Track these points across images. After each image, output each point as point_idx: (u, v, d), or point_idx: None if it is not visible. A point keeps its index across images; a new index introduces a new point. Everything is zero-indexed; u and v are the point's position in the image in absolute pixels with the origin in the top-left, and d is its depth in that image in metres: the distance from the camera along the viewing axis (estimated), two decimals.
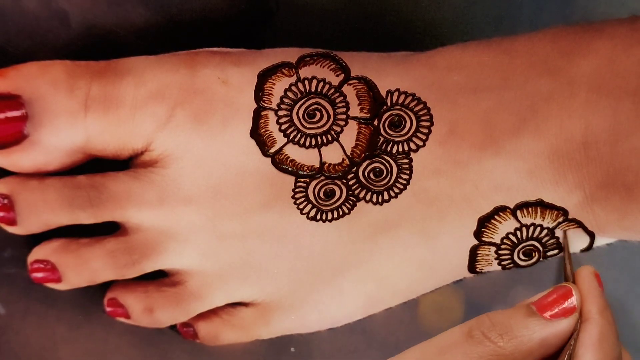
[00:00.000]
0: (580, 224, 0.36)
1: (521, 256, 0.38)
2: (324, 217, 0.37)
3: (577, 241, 0.37)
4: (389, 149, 0.36)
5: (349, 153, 0.36)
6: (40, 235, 0.37)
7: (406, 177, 0.36)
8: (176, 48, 0.37)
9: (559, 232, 0.36)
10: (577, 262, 0.35)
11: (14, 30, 0.36)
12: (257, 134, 0.36)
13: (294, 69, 0.36)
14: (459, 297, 0.45)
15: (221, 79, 0.36)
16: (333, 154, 0.36)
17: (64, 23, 0.36)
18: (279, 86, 0.36)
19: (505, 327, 0.30)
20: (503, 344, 0.30)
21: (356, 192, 0.37)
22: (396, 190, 0.37)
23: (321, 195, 0.37)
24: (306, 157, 0.36)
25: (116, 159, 0.37)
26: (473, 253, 0.37)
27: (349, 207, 0.37)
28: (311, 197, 0.37)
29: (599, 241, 0.37)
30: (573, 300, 0.31)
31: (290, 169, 0.36)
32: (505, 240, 0.37)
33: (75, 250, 0.37)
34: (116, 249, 0.37)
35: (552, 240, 0.37)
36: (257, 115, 0.36)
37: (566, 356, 0.30)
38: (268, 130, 0.36)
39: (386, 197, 0.37)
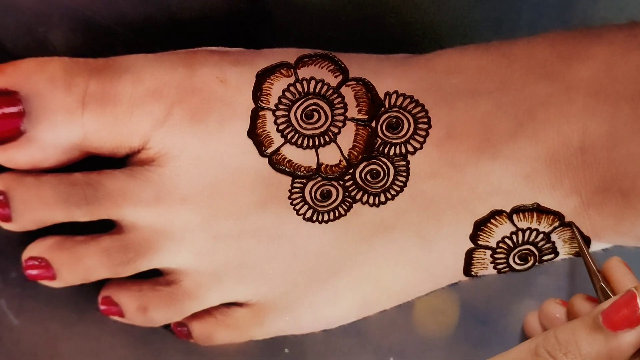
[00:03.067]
0: (576, 229, 0.36)
1: (517, 260, 0.38)
2: (320, 218, 0.37)
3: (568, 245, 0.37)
4: (386, 150, 0.36)
5: (346, 154, 0.36)
6: (35, 232, 0.37)
7: (403, 179, 0.36)
8: (175, 46, 0.37)
9: (559, 235, 0.36)
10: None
11: (12, 26, 0.36)
12: (255, 134, 0.36)
13: (292, 70, 0.36)
14: (454, 301, 0.45)
15: (219, 78, 0.36)
16: (330, 155, 0.36)
17: (62, 19, 0.36)
18: (277, 86, 0.36)
19: (571, 344, 0.29)
20: None
21: (353, 193, 0.37)
22: (393, 192, 0.37)
23: (318, 196, 0.36)
24: (303, 157, 0.36)
25: (113, 157, 0.37)
26: (469, 256, 0.37)
27: (346, 208, 0.37)
28: (308, 198, 0.37)
29: (595, 246, 0.37)
30: (638, 309, 0.29)
31: (287, 169, 0.36)
32: (501, 244, 0.37)
33: (70, 248, 0.37)
34: (111, 247, 0.37)
35: (547, 245, 0.37)
36: (255, 115, 0.36)
37: None
38: (265, 130, 0.36)
39: (383, 199, 0.37)
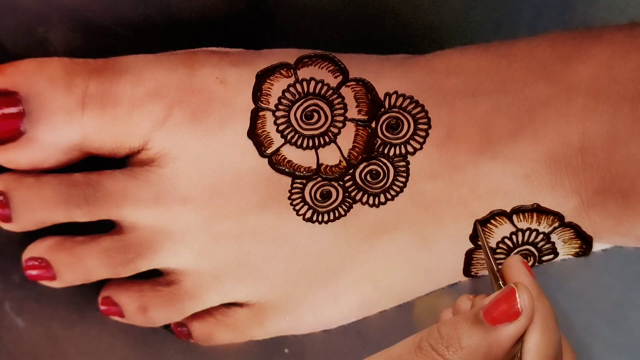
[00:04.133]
0: (576, 229, 0.36)
1: None
2: (320, 219, 0.37)
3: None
4: (386, 151, 0.36)
5: (346, 155, 0.36)
6: (35, 232, 0.37)
7: (403, 179, 0.36)
8: (175, 47, 0.37)
9: (559, 236, 0.36)
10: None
11: (12, 27, 0.36)
12: (255, 134, 0.36)
13: (292, 70, 0.36)
14: (454, 301, 0.45)
15: (219, 79, 0.36)
16: (330, 156, 0.36)
17: (62, 20, 0.36)
18: (277, 87, 0.36)
19: (452, 338, 0.30)
20: (449, 356, 0.30)
21: (353, 194, 0.37)
22: (393, 192, 0.37)
23: (317, 196, 0.36)
24: (303, 158, 0.36)
25: (113, 157, 0.37)
26: (469, 257, 0.37)
27: (345, 209, 0.37)
28: (307, 199, 0.37)
29: (595, 247, 0.37)
30: (517, 304, 0.30)
31: (287, 169, 0.36)
32: (500, 245, 0.37)
33: (70, 248, 0.37)
34: (111, 247, 0.37)
35: (547, 245, 0.37)
36: (255, 116, 0.36)
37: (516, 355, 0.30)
38: (265, 130, 0.36)
39: (382, 199, 0.37)
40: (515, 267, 0.32)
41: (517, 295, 0.30)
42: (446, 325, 0.30)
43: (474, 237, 0.37)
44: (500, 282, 0.32)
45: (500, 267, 0.33)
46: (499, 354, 0.30)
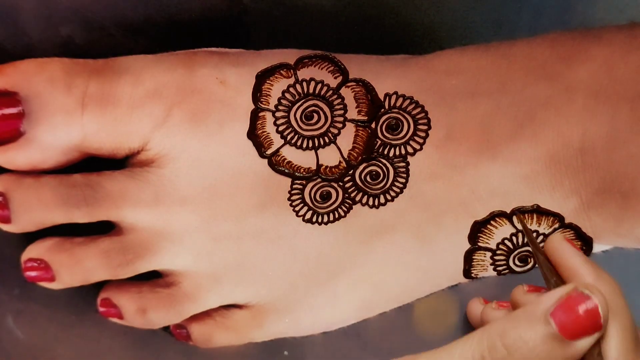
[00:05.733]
0: (576, 230, 0.36)
1: (517, 262, 0.37)
2: (319, 220, 0.37)
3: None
4: (386, 152, 0.36)
5: (345, 156, 0.36)
6: (35, 233, 0.37)
7: (403, 180, 0.36)
8: (174, 47, 0.37)
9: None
10: None
11: (12, 27, 0.36)
12: (254, 135, 0.36)
13: (292, 71, 0.36)
14: (454, 302, 0.45)
15: (219, 79, 0.36)
16: (330, 156, 0.36)
17: (62, 20, 0.36)
18: (276, 87, 0.36)
19: (522, 352, 0.27)
20: None
21: (352, 195, 0.37)
22: (392, 193, 0.37)
23: (317, 197, 0.36)
24: (303, 159, 0.36)
25: (112, 158, 0.37)
26: (468, 258, 0.37)
27: (345, 210, 0.37)
28: (307, 200, 0.36)
29: (595, 248, 0.37)
30: (600, 319, 0.27)
31: (286, 170, 0.36)
32: (500, 246, 0.37)
33: (69, 249, 0.37)
34: (110, 248, 0.37)
35: None
36: (255, 116, 0.36)
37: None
38: (265, 131, 0.36)
39: (382, 200, 0.37)
40: (562, 249, 0.30)
41: (597, 307, 0.28)
42: (511, 337, 0.28)
43: (474, 238, 0.37)
44: (553, 278, 0.30)
45: (544, 255, 0.30)
46: None
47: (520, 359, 0.27)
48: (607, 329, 0.28)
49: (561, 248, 0.30)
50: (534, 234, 0.36)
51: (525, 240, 0.37)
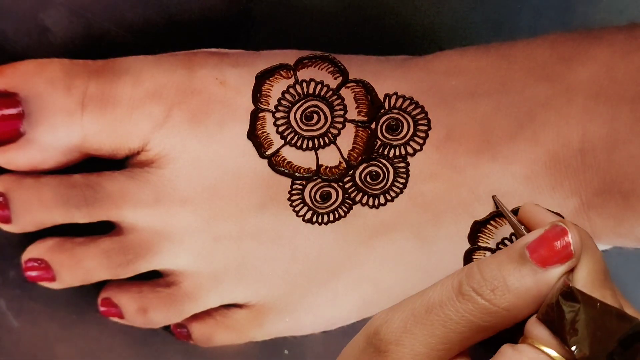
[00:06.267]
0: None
1: None
2: (319, 220, 0.37)
3: None
4: (386, 152, 0.36)
5: (345, 156, 0.36)
6: (35, 233, 0.37)
7: (403, 181, 0.36)
8: (174, 48, 0.37)
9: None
10: None
11: (12, 28, 0.36)
12: (254, 135, 0.36)
13: (292, 71, 0.36)
14: None
15: (219, 80, 0.36)
16: (330, 157, 0.36)
17: (62, 21, 0.36)
18: (276, 88, 0.36)
19: (498, 280, 0.28)
20: (497, 301, 0.28)
21: (352, 195, 0.37)
22: (392, 194, 0.37)
23: (317, 197, 0.36)
24: (303, 159, 0.36)
25: (112, 159, 0.37)
26: (468, 258, 0.37)
27: (345, 210, 0.37)
28: (307, 200, 0.36)
29: None
30: (570, 246, 0.28)
31: (286, 171, 0.36)
32: (500, 246, 0.37)
33: (70, 249, 0.37)
34: (111, 248, 0.37)
35: None
36: (255, 117, 0.36)
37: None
38: (265, 132, 0.36)
39: (382, 200, 0.37)
40: (535, 210, 0.30)
41: (569, 236, 0.28)
42: (488, 266, 0.29)
43: (473, 238, 0.37)
44: (524, 231, 0.30)
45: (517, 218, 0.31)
46: (547, 294, 0.28)
47: (493, 285, 0.28)
48: (579, 261, 0.28)
49: (534, 210, 0.30)
50: None
51: None
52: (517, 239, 0.31)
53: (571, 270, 0.29)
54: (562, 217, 0.30)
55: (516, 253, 0.29)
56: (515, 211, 0.36)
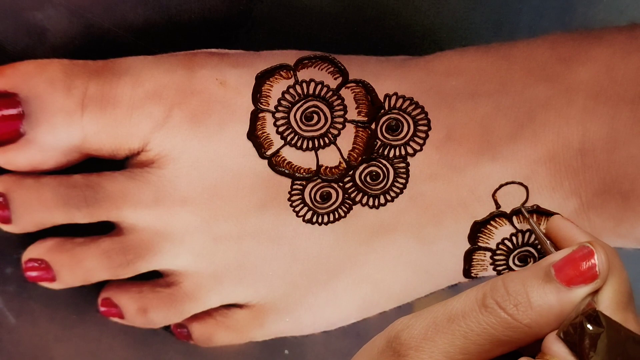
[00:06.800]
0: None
1: (516, 262, 0.37)
2: (319, 220, 0.37)
3: None
4: (386, 152, 0.36)
5: (346, 156, 0.36)
6: (35, 234, 0.37)
7: (403, 181, 0.36)
8: (174, 49, 0.37)
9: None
10: None
11: (12, 28, 0.36)
12: (254, 135, 0.36)
13: (292, 72, 0.36)
14: None
15: (219, 80, 0.36)
16: (330, 157, 0.36)
17: (62, 22, 0.36)
18: (276, 88, 0.36)
19: (521, 296, 0.28)
20: (519, 316, 0.28)
21: (352, 195, 0.37)
22: (392, 194, 0.37)
23: (317, 198, 0.36)
24: (303, 159, 0.36)
25: (112, 159, 0.37)
26: (468, 258, 0.37)
27: (345, 210, 0.37)
28: (307, 200, 0.36)
29: None
30: (595, 267, 0.28)
31: (287, 171, 0.36)
32: (500, 246, 0.37)
33: (70, 250, 0.37)
34: (111, 248, 0.37)
35: None
36: (255, 117, 0.36)
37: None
38: (265, 132, 0.36)
39: (382, 200, 0.37)
40: (564, 225, 0.31)
41: (595, 258, 0.29)
42: (513, 281, 0.29)
43: (473, 238, 0.37)
44: (550, 246, 0.31)
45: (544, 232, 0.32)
46: (570, 314, 0.28)
47: (517, 300, 0.28)
48: (605, 283, 0.29)
49: (563, 226, 0.31)
50: (534, 234, 0.36)
51: (525, 240, 0.37)
52: (541, 250, 0.32)
53: (596, 291, 0.29)
54: (591, 236, 0.31)
55: (542, 270, 0.29)
56: (519, 210, 0.36)
